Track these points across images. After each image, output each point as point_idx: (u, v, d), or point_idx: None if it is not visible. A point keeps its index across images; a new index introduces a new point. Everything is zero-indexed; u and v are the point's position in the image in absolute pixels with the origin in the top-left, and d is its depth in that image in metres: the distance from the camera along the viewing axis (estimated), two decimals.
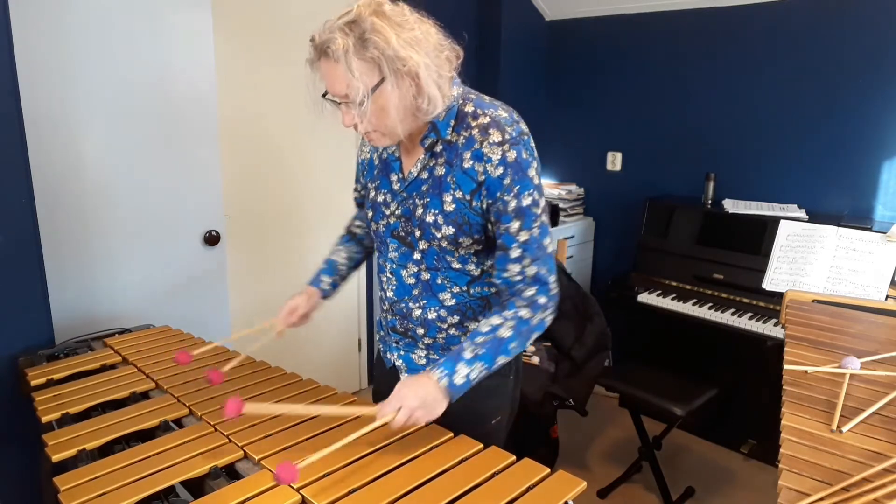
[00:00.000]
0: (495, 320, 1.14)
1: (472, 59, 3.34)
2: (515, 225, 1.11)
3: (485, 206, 1.12)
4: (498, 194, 1.10)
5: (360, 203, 1.47)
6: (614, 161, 3.41)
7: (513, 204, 1.10)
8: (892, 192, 2.60)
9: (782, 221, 2.34)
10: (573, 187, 3.45)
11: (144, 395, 1.39)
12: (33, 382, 1.44)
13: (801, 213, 2.63)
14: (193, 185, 2.10)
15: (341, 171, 3.05)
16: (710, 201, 2.92)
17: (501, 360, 1.13)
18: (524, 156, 1.10)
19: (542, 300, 1.15)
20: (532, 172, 1.12)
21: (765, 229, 2.60)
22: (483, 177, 1.10)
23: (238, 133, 2.58)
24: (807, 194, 2.80)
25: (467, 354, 1.10)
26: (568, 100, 3.51)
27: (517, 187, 1.10)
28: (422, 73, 1.03)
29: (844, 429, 1.12)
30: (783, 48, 2.76)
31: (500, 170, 1.09)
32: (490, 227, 1.15)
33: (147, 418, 1.25)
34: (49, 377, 1.46)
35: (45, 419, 1.26)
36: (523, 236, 1.12)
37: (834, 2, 2.61)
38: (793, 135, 2.80)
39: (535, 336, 1.17)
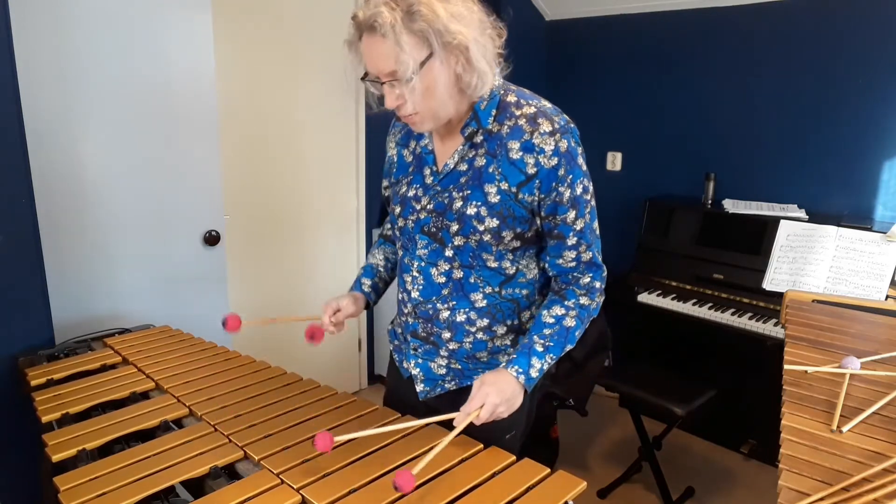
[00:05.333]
0: (558, 311, 1.17)
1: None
2: (572, 214, 1.12)
3: (537, 198, 1.10)
4: (553, 185, 1.09)
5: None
6: (614, 161, 3.41)
7: (567, 194, 1.10)
8: (892, 192, 2.60)
9: (782, 221, 2.34)
10: None
11: (144, 395, 1.39)
12: (33, 382, 1.44)
13: (801, 213, 2.63)
14: (193, 185, 2.10)
15: (341, 170, 3.05)
16: (710, 201, 2.92)
17: (568, 348, 1.17)
18: (573, 144, 1.09)
19: (597, 284, 1.20)
20: (580, 160, 1.11)
21: (765, 229, 2.60)
22: (535, 169, 1.08)
23: (238, 133, 2.58)
24: (807, 194, 2.79)
25: (538, 347, 1.14)
26: (568, 100, 3.51)
27: (570, 176, 1.09)
28: (471, 46, 1.00)
29: (844, 429, 1.12)
30: (783, 48, 2.76)
31: (555, 160, 1.07)
32: (539, 219, 1.14)
33: (147, 418, 1.25)
34: (49, 377, 1.46)
35: (45, 419, 1.26)
36: (579, 224, 1.13)
37: (834, 2, 2.61)
38: (793, 135, 2.80)
39: (591, 319, 1.22)
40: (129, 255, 2.00)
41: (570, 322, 1.17)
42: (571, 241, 1.14)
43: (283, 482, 1.02)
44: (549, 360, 1.14)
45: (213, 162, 2.14)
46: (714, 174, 2.92)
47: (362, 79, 1.06)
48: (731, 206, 2.78)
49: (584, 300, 1.19)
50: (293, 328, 1.43)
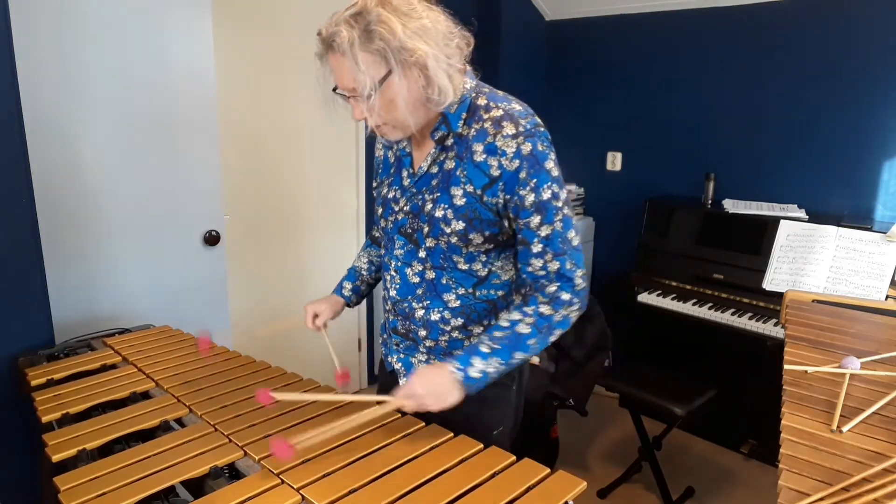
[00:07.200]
0: (515, 316, 1.13)
1: (472, 58, 3.33)
2: (536, 219, 1.10)
3: (501, 201, 1.10)
4: (516, 188, 1.08)
5: None
6: (614, 161, 3.41)
7: (531, 198, 1.08)
8: (892, 192, 2.60)
9: (782, 221, 2.34)
10: (573, 187, 3.45)
11: (144, 395, 1.39)
12: (33, 382, 1.44)
13: (801, 213, 2.63)
14: (193, 185, 2.10)
15: (341, 170, 3.05)
16: (710, 201, 2.92)
17: (519, 356, 1.12)
18: (540, 148, 1.09)
19: (564, 296, 1.13)
20: (549, 165, 1.10)
21: (765, 229, 2.60)
22: (498, 171, 1.08)
23: (238, 133, 2.58)
24: (807, 194, 2.80)
25: (484, 349, 1.10)
26: (568, 100, 3.51)
27: (534, 181, 1.08)
28: (430, 63, 1.01)
29: (844, 429, 1.12)
30: (783, 48, 2.76)
31: (516, 163, 1.07)
32: (507, 223, 1.14)
33: (147, 418, 1.24)
34: (49, 377, 1.46)
35: (45, 419, 1.26)
36: (545, 231, 1.10)
37: (834, 2, 2.61)
38: (793, 135, 2.80)
39: (558, 333, 1.15)
40: (129, 255, 2.00)
41: (524, 328, 1.11)
42: (536, 248, 1.11)
43: (283, 482, 1.02)
44: (496, 364, 1.10)
45: (213, 162, 2.14)
46: (714, 174, 2.92)
47: (334, 90, 1.08)
48: (731, 206, 2.78)
49: (544, 308, 1.12)
50: (292, 331, 1.44)
